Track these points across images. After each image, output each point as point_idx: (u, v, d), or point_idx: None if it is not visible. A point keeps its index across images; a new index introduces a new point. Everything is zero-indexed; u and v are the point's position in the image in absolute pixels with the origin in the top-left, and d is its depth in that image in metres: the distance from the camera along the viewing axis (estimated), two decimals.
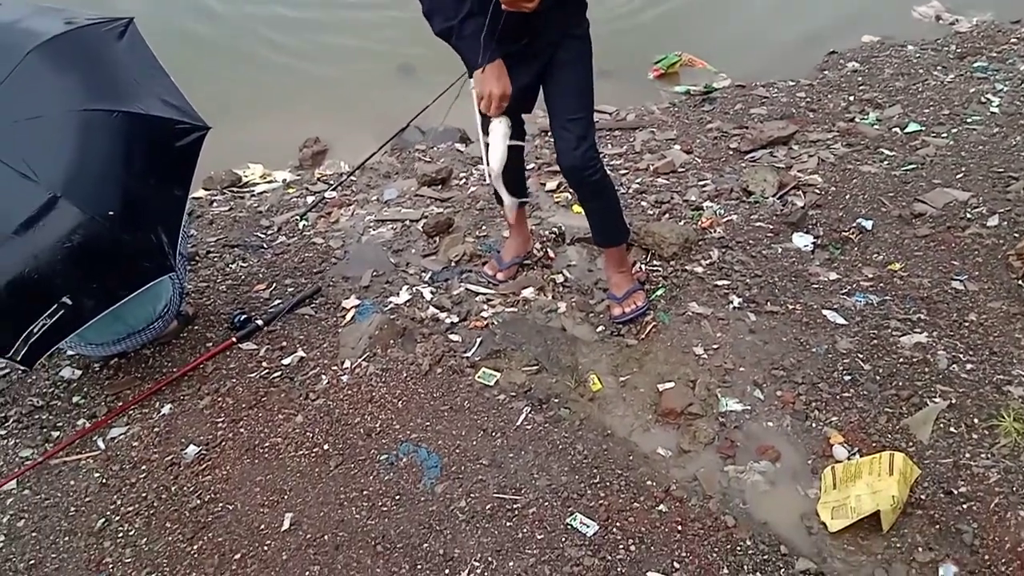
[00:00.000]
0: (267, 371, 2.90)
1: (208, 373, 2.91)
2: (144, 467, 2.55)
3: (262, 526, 2.32)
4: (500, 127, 2.54)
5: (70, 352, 3.00)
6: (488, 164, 2.64)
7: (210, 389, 2.82)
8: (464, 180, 4.37)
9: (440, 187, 4.29)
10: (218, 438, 2.62)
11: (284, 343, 3.04)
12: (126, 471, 2.55)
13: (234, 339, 3.02)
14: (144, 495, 2.45)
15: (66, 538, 2.37)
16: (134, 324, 2.80)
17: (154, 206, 2.50)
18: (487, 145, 2.60)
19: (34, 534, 2.39)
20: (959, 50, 5.71)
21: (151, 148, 2.52)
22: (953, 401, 2.49)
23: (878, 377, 2.62)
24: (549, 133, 4.76)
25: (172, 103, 2.61)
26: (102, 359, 2.99)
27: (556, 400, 2.66)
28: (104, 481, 2.52)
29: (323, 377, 2.84)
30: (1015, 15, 6.35)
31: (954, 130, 4.34)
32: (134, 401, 2.79)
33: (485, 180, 2.62)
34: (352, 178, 4.51)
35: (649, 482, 2.35)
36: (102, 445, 2.65)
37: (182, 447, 2.60)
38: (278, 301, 3.29)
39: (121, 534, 2.35)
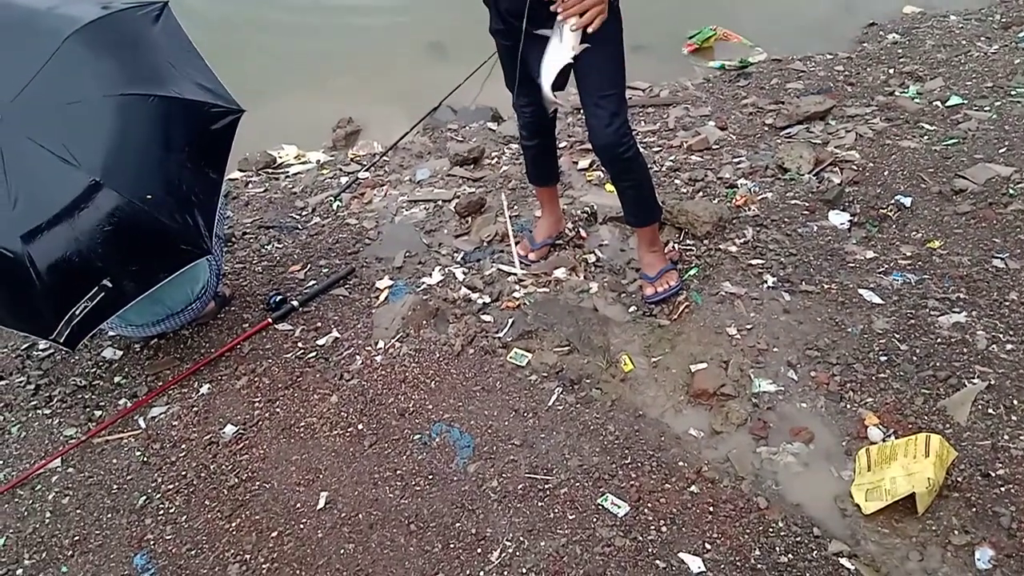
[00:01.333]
0: (302, 351, 2.94)
1: (245, 354, 2.96)
2: (184, 446, 2.61)
3: (298, 504, 2.37)
4: (569, 34, 2.28)
5: (111, 333, 3.07)
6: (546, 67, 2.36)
7: (247, 369, 2.87)
8: (496, 160, 4.36)
9: (472, 167, 4.29)
10: (255, 418, 2.67)
11: (319, 324, 3.08)
12: (166, 450, 2.61)
13: (270, 320, 3.07)
14: (184, 473, 2.51)
15: (109, 515, 2.44)
16: (172, 306, 2.85)
17: (191, 189, 2.53)
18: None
19: (78, 511, 2.47)
20: (1004, 20, 5.54)
21: (187, 131, 2.56)
22: (992, 382, 2.45)
23: (915, 358, 2.59)
24: (581, 111, 4.75)
25: (207, 86, 2.63)
26: (142, 340, 3.06)
27: (588, 381, 2.67)
28: (145, 460, 2.59)
29: (357, 357, 2.88)
30: None
31: (997, 103, 4.23)
32: (173, 381, 2.85)
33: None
34: (385, 158, 4.52)
35: (681, 463, 2.35)
36: (143, 424, 2.72)
37: (220, 427, 2.66)
38: (313, 282, 3.32)
39: (162, 512, 2.41)
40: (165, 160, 2.51)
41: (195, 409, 2.74)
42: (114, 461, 2.61)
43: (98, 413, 2.82)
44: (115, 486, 2.52)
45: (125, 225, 2.38)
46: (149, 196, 2.40)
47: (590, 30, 2.26)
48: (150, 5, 2.72)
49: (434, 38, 6.22)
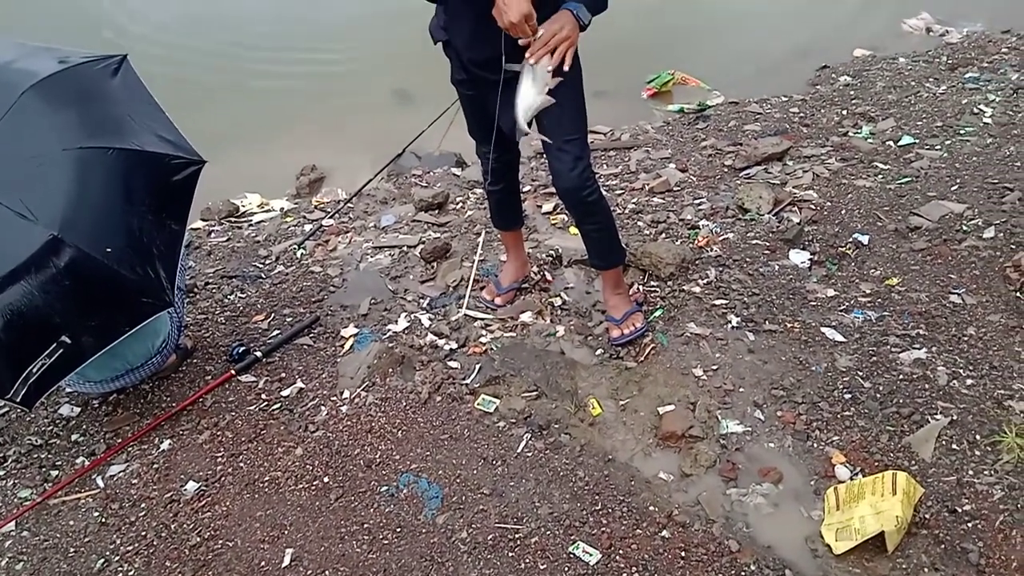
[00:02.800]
0: (266, 403, 2.89)
1: (207, 407, 2.90)
2: (144, 505, 2.54)
3: (263, 563, 2.31)
4: (542, 71, 2.23)
5: (69, 389, 2.99)
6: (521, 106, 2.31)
7: (209, 423, 2.81)
8: (461, 204, 4.38)
9: (437, 212, 4.30)
10: (218, 473, 2.61)
11: (283, 374, 3.03)
12: (125, 509, 2.53)
13: (233, 371, 3.02)
14: (144, 534, 2.44)
15: None
16: (132, 360, 2.79)
17: (151, 241, 2.50)
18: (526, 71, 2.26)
19: None
20: (950, 61, 5.75)
21: (147, 184, 2.53)
22: (954, 417, 2.48)
23: (878, 395, 2.62)
24: (543, 155, 4.79)
25: (167, 138, 2.62)
26: (101, 395, 2.98)
27: (556, 426, 2.65)
28: (103, 520, 2.51)
29: (322, 408, 2.84)
30: (1005, 25, 6.40)
31: (947, 142, 4.36)
32: (133, 438, 2.78)
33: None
34: (349, 205, 4.52)
35: (651, 507, 2.34)
36: (101, 483, 2.64)
37: (182, 483, 2.59)
38: (277, 332, 3.28)
39: (121, 575, 2.33)
40: (125, 213, 2.47)
41: (155, 466, 2.67)
42: (71, 523, 2.53)
43: (54, 473, 2.73)
44: (72, 549, 2.44)
45: (84, 279, 2.34)
46: (109, 249, 2.36)
47: (565, 67, 2.26)
48: (109, 59, 2.71)
49: (398, 85, 6.28)
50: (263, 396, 2.93)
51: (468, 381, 2.88)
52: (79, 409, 2.99)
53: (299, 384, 2.96)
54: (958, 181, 3.87)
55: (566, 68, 2.25)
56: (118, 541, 2.43)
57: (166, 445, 2.75)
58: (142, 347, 2.78)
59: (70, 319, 2.39)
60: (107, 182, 2.46)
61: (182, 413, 2.88)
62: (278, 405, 2.87)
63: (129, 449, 2.76)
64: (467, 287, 3.34)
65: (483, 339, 3.09)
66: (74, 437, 2.87)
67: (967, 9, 6.85)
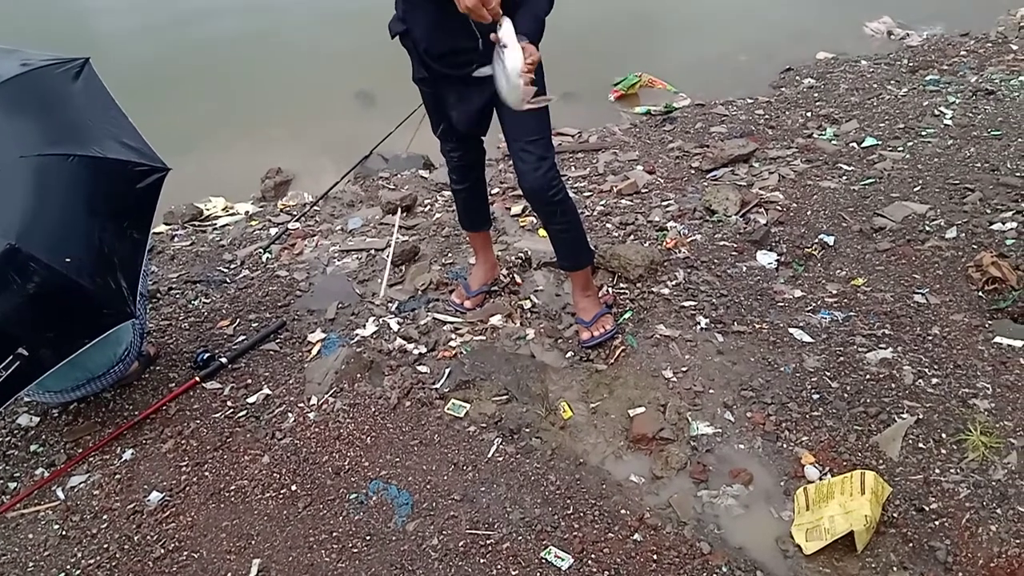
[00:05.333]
0: (232, 410, 2.84)
1: (171, 415, 2.84)
2: (105, 516, 2.47)
3: (229, 574, 2.26)
4: (508, 25, 2.15)
5: (27, 399, 2.91)
6: (508, 70, 2.19)
7: (173, 432, 2.75)
8: (429, 207, 4.35)
9: (405, 215, 4.27)
10: (182, 483, 2.55)
11: (249, 381, 2.98)
12: (87, 521, 2.47)
13: (197, 378, 2.96)
14: (106, 546, 2.37)
15: None
16: (93, 369, 2.73)
17: (113, 251, 2.43)
18: (504, 49, 2.17)
19: None
20: (911, 64, 5.84)
21: (109, 192, 2.46)
22: (920, 416, 2.50)
23: (846, 395, 2.64)
24: (510, 157, 4.78)
25: (130, 144, 2.55)
26: (61, 405, 2.91)
27: (527, 430, 2.63)
28: (64, 533, 2.44)
29: (289, 415, 2.79)
30: (963, 28, 6.52)
31: (910, 143, 4.42)
32: (94, 448, 2.71)
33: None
34: (315, 208, 4.47)
35: (623, 511, 2.33)
36: (61, 495, 2.57)
37: (145, 494, 2.53)
38: (242, 337, 3.23)
39: None
40: (85, 221, 2.41)
41: (117, 476, 2.61)
42: (30, 536, 2.46)
43: (12, 485, 2.65)
44: (31, 563, 2.37)
45: (42, 290, 2.27)
46: (68, 259, 2.29)
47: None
48: (70, 62, 2.63)
49: (361, 87, 6.23)
50: (229, 403, 2.87)
51: (438, 386, 2.85)
52: (38, 419, 2.91)
53: (265, 390, 2.91)
54: (920, 182, 3.92)
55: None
56: (79, 554, 2.37)
57: (128, 455, 2.69)
58: (103, 356, 2.71)
59: (27, 331, 2.32)
60: (67, 190, 2.39)
61: (145, 422, 2.81)
62: (244, 412, 2.82)
63: (90, 459, 2.69)
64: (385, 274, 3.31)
65: (452, 343, 3.07)
66: (33, 448, 2.79)
67: (927, 13, 6.97)
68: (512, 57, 2.14)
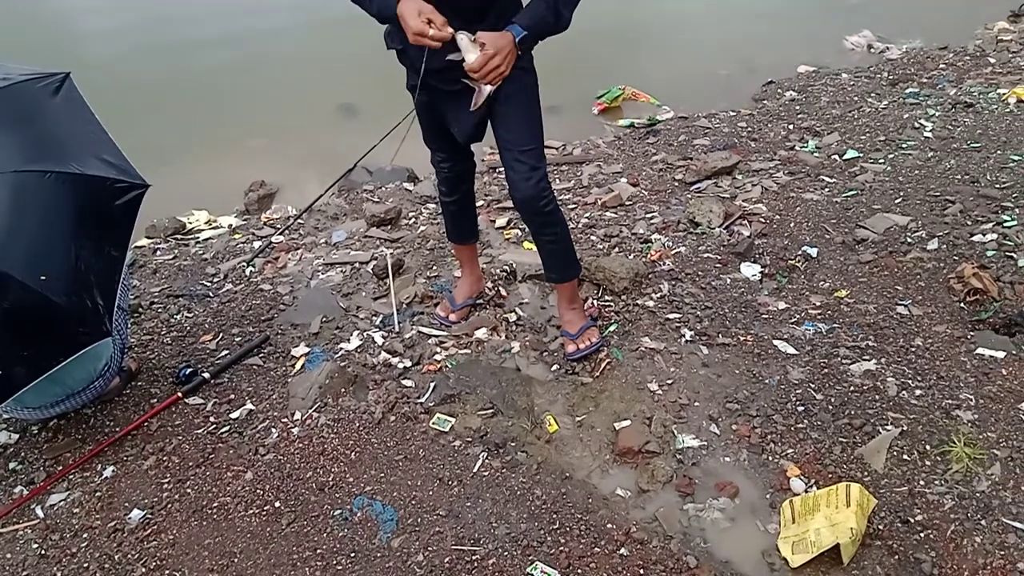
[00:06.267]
0: (215, 426, 2.81)
1: (153, 431, 2.81)
2: (86, 535, 2.43)
3: None
4: (460, 38, 2.20)
5: (5, 416, 2.87)
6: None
7: (155, 448, 2.72)
8: (413, 220, 4.35)
9: (389, 227, 4.26)
10: (164, 500, 2.52)
11: (232, 396, 2.95)
12: (67, 540, 2.43)
13: (179, 394, 2.93)
14: (86, 565, 2.33)
15: None
16: (73, 385, 2.69)
17: (89, 269, 2.39)
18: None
19: None
20: (891, 77, 5.91)
21: (86, 208, 2.43)
22: (905, 428, 2.51)
23: (830, 407, 2.64)
24: (496, 169, 4.79)
25: (110, 160, 2.52)
26: (40, 421, 2.87)
27: (513, 444, 2.62)
28: (43, 552, 2.39)
29: (273, 430, 2.76)
30: (942, 41, 6.61)
31: (891, 155, 4.47)
32: (74, 465, 2.67)
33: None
34: (299, 221, 4.45)
35: (609, 525, 2.32)
36: (41, 513, 2.53)
37: (126, 512, 2.49)
38: (225, 352, 3.20)
39: None
40: (62, 238, 2.36)
41: (98, 494, 2.57)
42: (8, 556, 2.41)
43: None
44: None
45: (16, 308, 2.23)
46: (43, 277, 2.25)
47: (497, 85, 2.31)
48: (51, 76, 2.60)
49: (344, 100, 6.23)
50: (211, 419, 2.84)
51: (422, 400, 2.83)
52: (17, 436, 2.87)
53: (249, 406, 2.88)
54: (901, 194, 3.96)
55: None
56: (58, 574, 2.32)
57: (109, 472, 2.65)
58: (83, 371, 2.68)
59: (1, 349, 2.29)
60: (43, 207, 2.35)
61: (126, 438, 2.78)
62: (227, 428, 2.79)
63: (70, 477, 2.65)
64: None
65: (437, 357, 3.05)
66: (12, 465, 2.75)
67: (906, 26, 7.06)
68: (467, 62, 2.21)
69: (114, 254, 2.49)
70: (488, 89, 2.30)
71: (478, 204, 4.19)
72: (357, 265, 3.80)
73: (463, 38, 2.19)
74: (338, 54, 6.35)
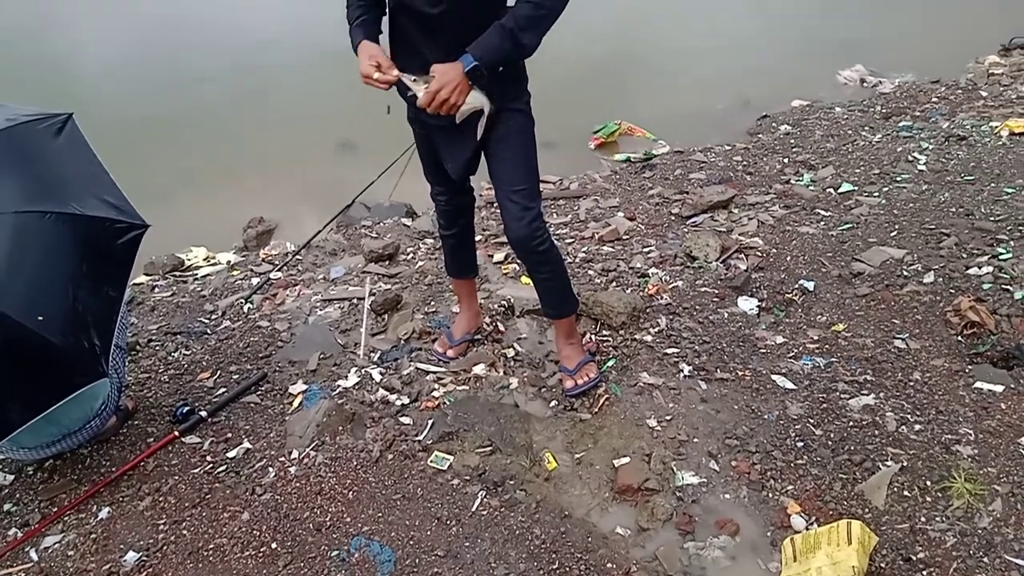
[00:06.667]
0: (211, 466, 2.79)
1: (149, 471, 2.79)
2: None
3: None
4: (405, 79, 2.31)
5: (1, 457, 2.85)
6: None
7: (151, 488, 2.70)
8: (412, 255, 4.36)
9: (387, 263, 4.27)
10: (159, 542, 2.49)
11: (229, 434, 2.94)
12: None
13: (176, 433, 2.91)
14: None
15: None
16: (69, 425, 2.67)
17: (87, 310, 2.40)
18: None
19: None
20: (884, 110, 5.97)
21: (85, 249, 2.43)
22: (905, 464, 2.50)
23: (830, 442, 2.64)
24: (495, 204, 4.81)
25: (110, 201, 2.53)
26: (36, 462, 2.85)
27: (511, 482, 2.60)
28: None
29: (270, 469, 2.75)
30: (933, 75, 6.69)
31: (885, 189, 4.50)
32: (70, 506, 2.65)
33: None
34: (298, 257, 4.46)
35: (609, 564, 2.30)
36: (35, 556, 2.50)
37: (121, 554, 2.46)
38: (223, 389, 3.19)
39: None
40: (60, 279, 2.37)
41: (93, 536, 2.54)
42: None
43: None
44: None
45: (13, 348, 2.23)
46: (41, 317, 2.25)
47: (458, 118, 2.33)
48: (53, 117, 2.62)
49: (343, 136, 6.28)
50: (208, 458, 2.82)
51: (421, 437, 2.82)
52: (12, 477, 2.85)
53: (246, 444, 2.87)
54: (897, 227, 3.98)
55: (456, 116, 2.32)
56: None
57: (105, 513, 2.63)
58: (79, 411, 2.66)
59: None
60: (43, 248, 2.36)
61: (122, 478, 2.76)
62: (224, 467, 2.77)
63: (65, 518, 2.63)
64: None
65: (435, 393, 3.04)
66: (6, 507, 2.72)
67: (898, 61, 7.15)
68: (418, 100, 2.28)
69: (112, 294, 2.49)
70: (482, 113, 2.32)
71: (476, 239, 4.21)
72: (355, 301, 3.80)
73: (406, 79, 2.27)
74: (337, 90, 6.41)
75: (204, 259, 4.74)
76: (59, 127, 2.60)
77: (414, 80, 2.26)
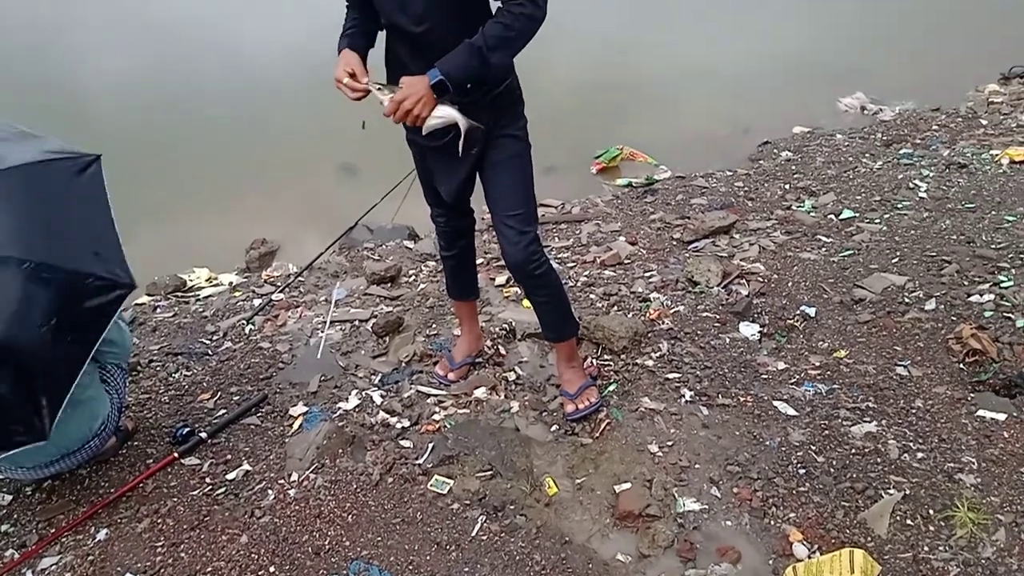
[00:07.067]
0: (210, 487, 2.78)
1: (148, 492, 2.77)
2: None
3: None
4: (374, 92, 2.34)
5: (0, 476, 2.84)
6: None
7: (149, 510, 2.69)
8: (414, 277, 4.37)
9: (389, 285, 4.28)
10: (157, 564, 2.47)
11: (229, 456, 2.92)
12: None
13: (176, 454, 2.90)
14: None
15: None
16: (68, 445, 2.66)
17: (43, 368, 2.32)
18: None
19: None
20: (885, 138, 6.00)
21: (57, 305, 2.32)
22: (907, 492, 2.49)
23: (832, 469, 2.62)
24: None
25: (101, 254, 2.45)
26: (34, 482, 2.84)
27: (512, 507, 2.59)
28: None
29: (269, 492, 2.73)
30: (934, 103, 6.73)
31: (886, 215, 4.51)
32: (67, 527, 2.63)
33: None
34: (300, 279, 4.47)
35: None
36: None
37: None
38: (223, 411, 3.18)
39: None
40: (20, 332, 2.25)
41: (91, 558, 2.53)
42: None
43: None
44: None
45: None
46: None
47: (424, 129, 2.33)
48: (82, 157, 2.56)
49: (346, 158, 6.32)
50: (207, 480, 2.81)
51: (421, 461, 2.81)
52: (10, 497, 2.83)
53: (245, 466, 2.86)
54: (898, 254, 3.99)
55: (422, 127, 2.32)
56: None
57: (103, 535, 2.61)
58: (77, 431, 2.65)
59: None
60: (9, 297, 2.25)
61: (120, 500, 2.74)
62: (223, 489, 2.76)
63: (63, 540, 2.61)
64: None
65: (436, 416, 3.04)
66: (4, 528, 2.71)
67: (898, 89, 7.20)
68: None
69: (76, 355, 2.39)
70: (462, 127, 2.32)
71: (478, 262, 4.22)
72: (356, 323, 3.80)
73: (374, 87, 2.32)
74: (339, 112, 6.46)
75: (207, 280, 4.75)
76: (83, 167, 2.55)
77: (380, 88, 2.31)
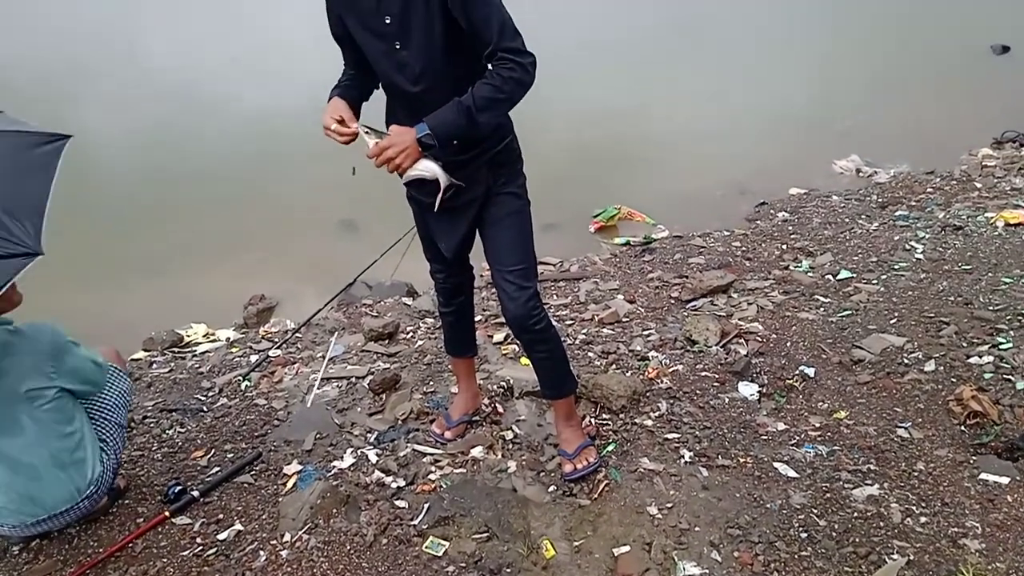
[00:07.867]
0: (201, 548, 2.72)
1: (137, 553, 2.71)
2: None
3: None
4: (362, 136, 2.39)
5: None
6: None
7: (138, 571, 2.62)
8: (411, 334, 4.36)
9: (387, 342, 4.26)
10: None
11: (221, 515, 2.87)
12: None
13: (166, 513, 2.85)
14: None
15: None
16: (53, 505, 2.60)
17: None
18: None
19: None
20: (880, 200, 6.06)
21: None
22: (911, 557, 2.44)
23: (834, 533, 2.58)
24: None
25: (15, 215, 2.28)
26: (22, 541, 2.78)
27: (508, 570, 2.53)
28: None
29: (261, 553, 2.68)
30: (928, 166, 6.82)
31: (883, 276, 4.53)
32: None
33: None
34: (297, 335, 4.46)
35: None
36: None
37: None
38: (216, 468, 3.14)
39: None
40: None
41: None
42: None
43: None
44: None
45: None
46: None
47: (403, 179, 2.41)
48: (50, 135, 2.53)
49: (344, 216, 6.37)
50: (198, 540, 2.75)
51: (416, 522, 2.76)
52: None
53: (237, 526, 2.80)
54: (896, 315, 3.99)
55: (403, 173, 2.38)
56: None
57: None
58: (63, 491, 2.60)
59: None
60: None
61: (109, 560, 2.68)
62: (214, 550, 2.70)
63: None
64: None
65: (432, 476, 3.00)
66: None
67: (892, 152, 7.30)
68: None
69: None
70: (442, 183, 2.37)
71: (476, 319, 4.22)
72: (353, 380, 3.78)
73: (362, 131, 2.36)
74: (338, 169, 6.53)
75: (204, 336, 4.74)
76: (46, 141, 2.51)
77: (368, 132, 2.35)
